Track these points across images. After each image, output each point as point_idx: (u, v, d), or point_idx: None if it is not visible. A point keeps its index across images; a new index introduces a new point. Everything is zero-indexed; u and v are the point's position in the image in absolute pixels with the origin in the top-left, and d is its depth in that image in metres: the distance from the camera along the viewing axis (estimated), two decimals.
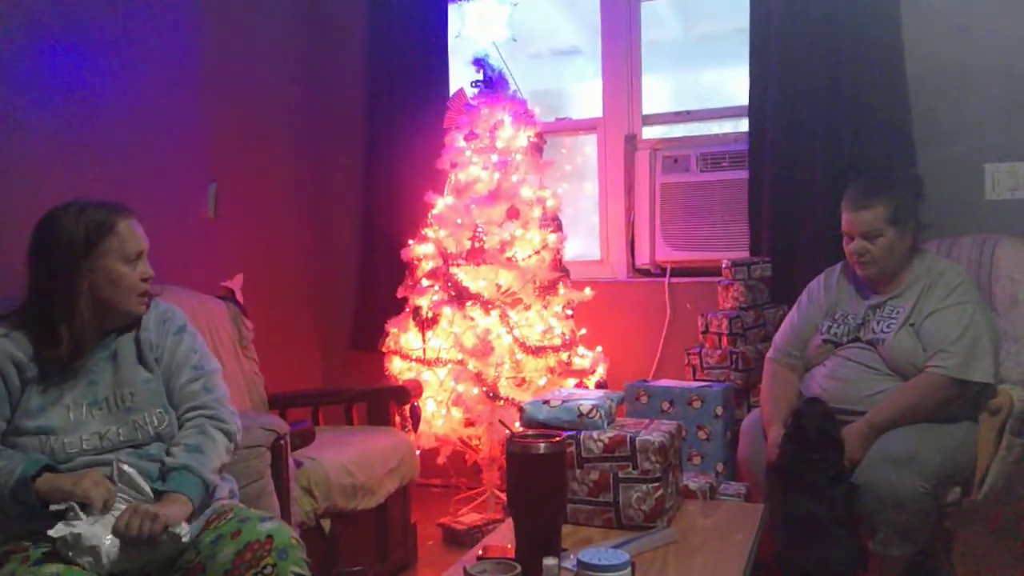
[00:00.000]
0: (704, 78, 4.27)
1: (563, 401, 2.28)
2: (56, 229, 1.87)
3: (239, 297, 3.43)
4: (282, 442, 2.43)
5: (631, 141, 3.96)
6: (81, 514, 1.68)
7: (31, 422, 1.81)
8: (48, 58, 2.83)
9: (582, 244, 4.12)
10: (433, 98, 4.02)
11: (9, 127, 2.69)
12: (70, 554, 1.66)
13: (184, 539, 1.74)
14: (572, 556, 1.80)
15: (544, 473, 1.89)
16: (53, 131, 2.85)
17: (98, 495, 1.70)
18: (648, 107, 4.01)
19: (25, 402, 1.83)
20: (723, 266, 3.32)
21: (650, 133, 4.00)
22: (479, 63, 3.67)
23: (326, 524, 2.68)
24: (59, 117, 2.87)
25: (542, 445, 1.89)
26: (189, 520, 1.79)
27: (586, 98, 4.21)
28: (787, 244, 3.43)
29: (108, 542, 1.68)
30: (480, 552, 1.94)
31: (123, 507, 1.74)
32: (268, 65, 3.97)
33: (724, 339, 3.17)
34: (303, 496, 2.58)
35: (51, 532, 1.64)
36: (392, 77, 4.16)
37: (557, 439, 1.92)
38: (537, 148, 3.69)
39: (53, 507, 1.68)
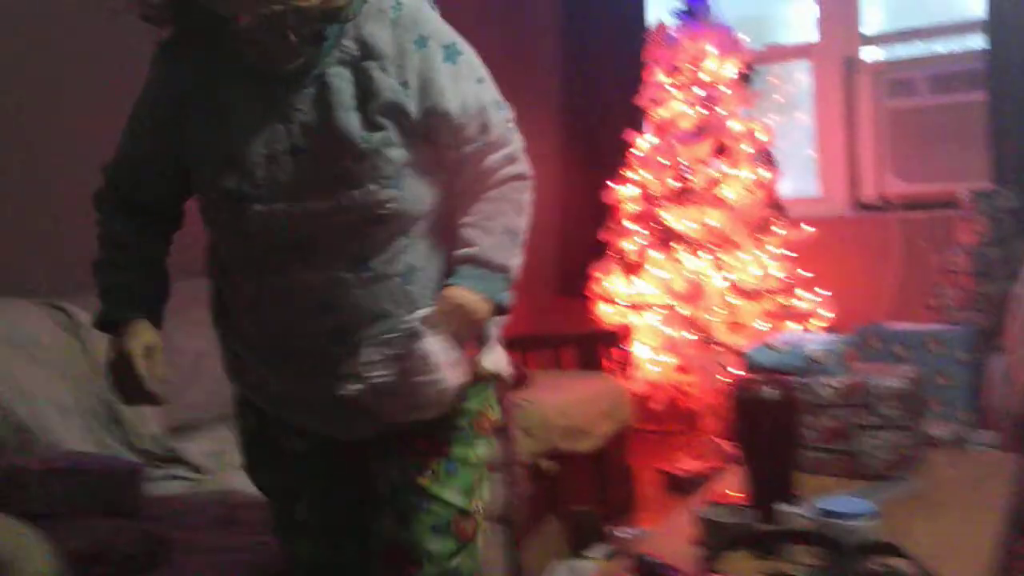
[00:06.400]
0: None
1: (789, 345, 2.19)
2: None
3: None
4: (500, 383, 2.48)
5: (850, 65, 3.69)
6: None
7: (211, 176, 1.34)
8: None
9: (797, 179, 3.90)
10: (630, 31, 3.91)
11: None
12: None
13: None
14: (808, 503, 1.74)
15: (775, 419, 1.84)
16: None
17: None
18: (866, 27, 3.71)
19: (201, 144, 1.35)
20: (962, 197, 3.04)
21: (869, 56, 3.70)
22: None
23: (547, 464, 2.72)
24: None
25: (772, 391, 1.84)
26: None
27: (798, 21, 3.96)
28: None
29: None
30: (708, 497, 1.91)
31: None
32: (463, 8, 3.97)
33: (965, 278, 2.92)
34: (522, 437, 2.63)
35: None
36: (587, 9, 4.07)
37: (787, 384, 1.86)
38: (745, 79, 3.51)
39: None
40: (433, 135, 1.34)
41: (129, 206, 1.45)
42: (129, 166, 1.45)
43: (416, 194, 1.33)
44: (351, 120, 1.28)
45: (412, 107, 1.30)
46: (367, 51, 1.29)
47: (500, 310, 1.38)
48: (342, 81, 1.29)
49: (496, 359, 1.49)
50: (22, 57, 2.53)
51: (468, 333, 1.35)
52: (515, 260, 1.41)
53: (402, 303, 1.33)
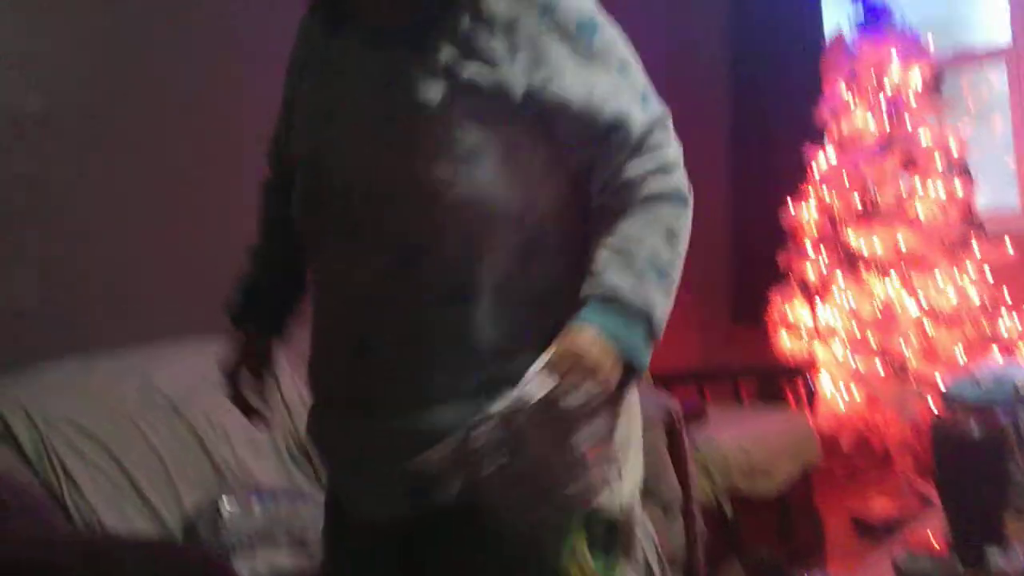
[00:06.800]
0: None
1: (994, 376, 2.03)
2: None
3: None
4: (677, 422, 2.42)
5: None
6: None
7: (295, 144, 1.21)
8: None
9: (996, 191, 3.61)
10: (805, 41, 3.76)
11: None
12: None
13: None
14: (1022, 548, 1.61)
15: (981, 458, 1.73)
16: None
17: None
18: None
19: (298, 114, 1.22)
20: None
21: None
22: None
23: (727, 506, 2.63)
24: None
25: (977, 427, 1.71)
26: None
27: (989, 22, 3.68)
28: None
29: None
30: (905, 543, 1.79)
31: None
32: (623, 10, 3.93)
33: None
34: (700, 477, 2.56)
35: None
36: (757, 21, 3.95)
37: (994, 420, 1.73)
38: (933, 86, 3.31)
39: None
40: (544, 124, 1.08)
41: (280, 193, 1.26)
42: (273, 144, 1.32)
43: (489, 187, 1.05)
44: (433, 87, 1.06)
45: (514, 81, 1.06)
46: (478, 14, 1.08)
47: (631, 372, 1.02)
48: (441, 45, 1.08)
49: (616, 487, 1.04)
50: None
51: (587, 402, 0.97)
52: (660, 304, 1.05)
53: (437, 325, 1.07)
